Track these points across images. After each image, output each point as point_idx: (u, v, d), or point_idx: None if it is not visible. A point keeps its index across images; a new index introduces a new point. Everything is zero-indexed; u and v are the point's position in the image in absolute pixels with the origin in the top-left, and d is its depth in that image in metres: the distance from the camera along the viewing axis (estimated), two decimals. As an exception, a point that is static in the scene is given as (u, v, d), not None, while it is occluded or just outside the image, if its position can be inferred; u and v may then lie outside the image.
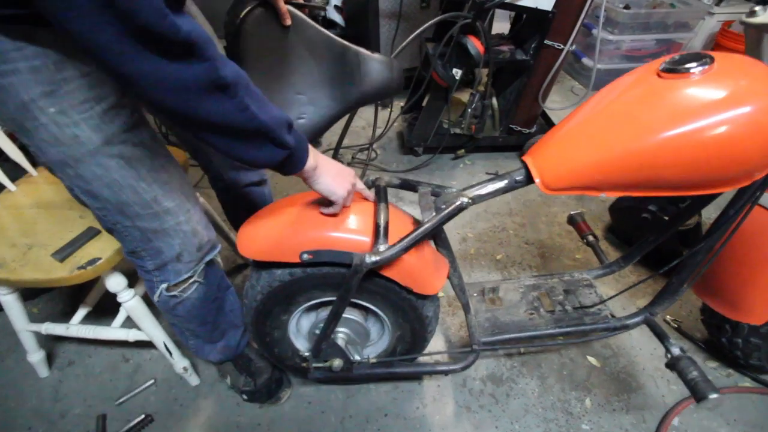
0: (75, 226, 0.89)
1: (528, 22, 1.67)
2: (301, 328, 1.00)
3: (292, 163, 0.65)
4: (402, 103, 2.04)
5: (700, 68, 0.65)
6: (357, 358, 0.96)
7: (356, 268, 0.74)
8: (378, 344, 1.03)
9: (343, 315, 0.92)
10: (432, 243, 0.91)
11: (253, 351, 1.10)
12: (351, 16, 2.54)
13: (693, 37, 2.47)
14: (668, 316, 1.29)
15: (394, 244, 0.74)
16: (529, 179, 0.76)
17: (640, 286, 1.40)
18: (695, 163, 0.64)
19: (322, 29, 0.89)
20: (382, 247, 0.75)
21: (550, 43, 1.61)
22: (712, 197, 0.90)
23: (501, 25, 2.20)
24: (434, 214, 0.77)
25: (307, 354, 0.92)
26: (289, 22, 0.83)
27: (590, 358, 1.20)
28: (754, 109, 0.61)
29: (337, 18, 2.80)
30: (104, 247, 0.84)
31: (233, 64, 0.52)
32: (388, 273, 0.80)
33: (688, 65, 0.66)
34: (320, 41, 0.89)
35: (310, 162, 0.68)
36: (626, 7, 2.29)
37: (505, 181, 0.77)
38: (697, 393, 0.78)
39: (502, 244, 1.56)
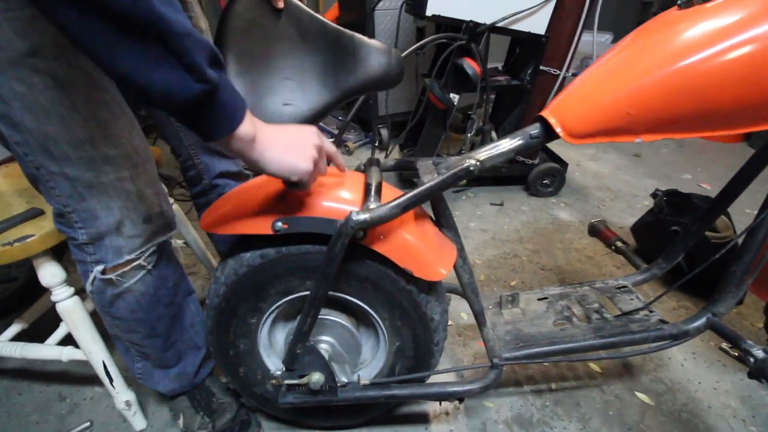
0: (18, 209, 0.75)
1: (522, 51, 1.70)
2: (275, 342, 0.80)
3: (214, 115, 0.45)
4: (399, 145, 2.01)
5: (731, -13, 0.57)
6: (344, 380, 0.75)
7: (341, 229, 0.59)
8: (372, 365, 0.81)
9: (329, 318, 0.74)
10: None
11: (217, 383, 0.88)
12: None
13: (684, 82, 2.53)
14: (723, 344, 1.07)
15: (388, 202, 0.60)
16: (547, 134, 0.65)
17: (681, 312, 1.19)
18: (749, 78, 0.53)
19: (317, 15, 0.85)
20: (372, 205, 0.60)
21: (546, 68, 1.61)
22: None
23: (496, 62, 2.26)
24: (437, 176, 0.65)
25: (279, 372, 0.71)
26: (281, 4, 0.79)
27: (640, 395, 0.96)
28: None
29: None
30: (43, 226, 0.70)
31: None
32: (382, 249, 0.64)
33: (715, -12, 0.58)
34: (314, 26, 0.84)
35: (245, 128, 0.48)
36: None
37: (518, 138, 0.66)
38: (809, 404, 0.57)
39: (515, 271, 1.39)
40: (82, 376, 1.01)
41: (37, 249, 0.68)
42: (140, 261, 0.66)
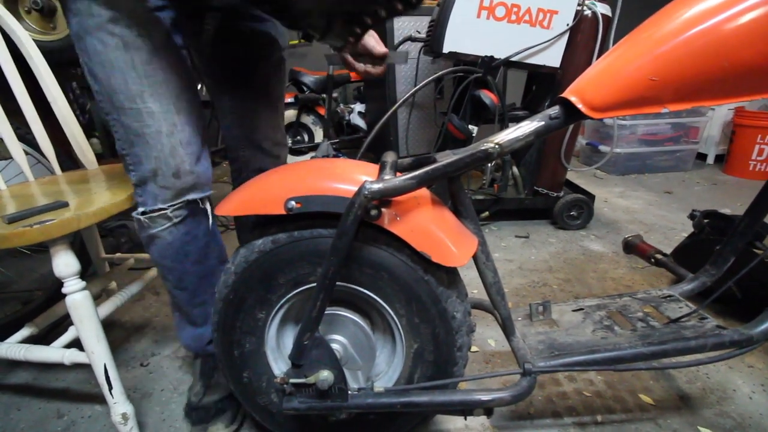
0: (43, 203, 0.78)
1: (539, 86, 1.74)
2: (283, 345, 0.74)
3: None
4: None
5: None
6: (355, 386, 0.68)
7: (354, 199, 0.56)
8: (388, 375, 0.73)
9: (342, 313, 0.69)
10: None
11: None
12: (373, 121, 2.79)
13: (708, 121, 2.50)
14: (801, 376, 0.91)
15: (403, 175, 0.58)
16: (568, 115, 0.63)
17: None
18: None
19: None
20: (388, 176, 0.58)
21: (565, 100, 1.63)
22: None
23: (513, 100, 2.32)
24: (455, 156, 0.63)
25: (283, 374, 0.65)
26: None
27: (705, 430, 0.81)
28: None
29: (360, 123, 3.09)
30: (65, 215, 0.71)
31: None
32: (397, 230, 0.61)
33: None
34: None
35: None
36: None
37: (538, 120, 0.64)
38: None
39: (545, 299, 1.28)
40: (83, 394, 0.95)
41: (55, 233, 0.68)
42: (167, 212, 0.71)
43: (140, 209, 0.72)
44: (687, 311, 0.74)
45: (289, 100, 2.88)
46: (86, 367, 0.77)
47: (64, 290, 0.73)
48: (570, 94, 0.61)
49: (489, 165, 1.72)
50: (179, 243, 0.74)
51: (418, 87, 1.50)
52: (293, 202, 0.62)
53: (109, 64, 0.63)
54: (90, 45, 0.62)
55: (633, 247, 1.03)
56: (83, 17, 0.61)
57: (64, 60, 1.73)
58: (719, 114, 2.54)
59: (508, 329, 0.76)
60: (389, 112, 1.53)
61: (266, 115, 0.92)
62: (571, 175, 2.37)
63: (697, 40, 0.53)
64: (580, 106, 0.60)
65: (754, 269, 0.77)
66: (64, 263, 0.72)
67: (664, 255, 0.95)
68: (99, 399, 0.93)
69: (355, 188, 0.61)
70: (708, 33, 0.53)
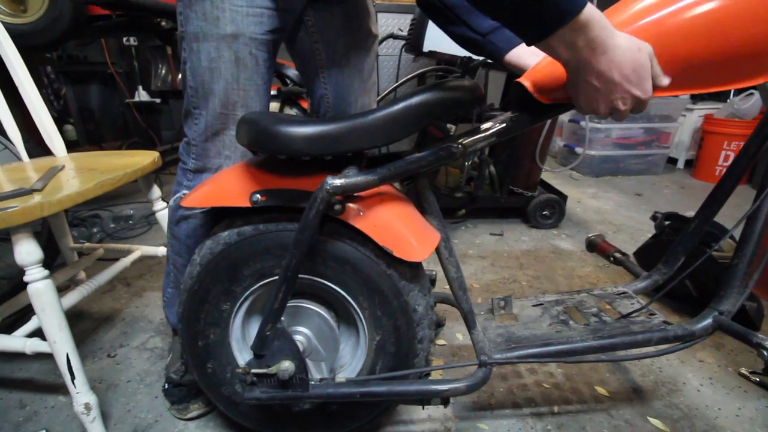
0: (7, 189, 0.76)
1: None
2: (248, 337, 0.75)
3: None
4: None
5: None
6: (319, 377, 0.69)
7: (316, 194, 0.58)
8: (351, 367, 0.75)
9: (306, 305, 0.70)
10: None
11: None
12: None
13: (679, 127, 2.59)
14: (743, 369, 0.97)
15: (366, 171, 0.60)
16: (526, 113, 0.64)
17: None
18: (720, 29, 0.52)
19: None
20: (351, 172, 0.60)
21: (540, 102, 1.67)
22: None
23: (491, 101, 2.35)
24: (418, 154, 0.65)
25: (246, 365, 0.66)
26: None
27: (654, 421, 0.86)
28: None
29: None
30: (26, 201, 0.70)
31: None
32: (360, 224, 0.62)
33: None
34: None
35: (591, 11, 0.41)
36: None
37: (499, 122, 0.65)
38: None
39: (514, 295, 1.32)
40: (47, 384, 0.95)
41: (17, 221, 0.67)
42: None
43: (185, 191, 0.79)
44: (638, 307, 0.78)
45: (272, 92, 2.86)
46: (51, 358, 0.76)
47: (25, 278, 0.72)
48: (524, 78, 0.62)
49: (467, 164, 1.75)
50: (207, 228, 0.81)
51: (398, 83, 1.51)
52: (258, 196, 0.62)
53: (217, 72, 0.69)
54: (204, 50, 0.68)
55: (595, 246, 1.07)
56: (209, 24, 0.66)
57: (37, 44, 1.68)
58: (690, 120, 2.64)
59: (469, 322, 0.78)
60: (369, 108, 1.54)
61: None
62: (547, 176, 2.43)
63: (662, 23, 0.53)
64: (531, 90, 0.60)
65: (702, 267, 0.82)
66: (26, 251, 0.71)
67: (623, 254, 0.99)
68: (63, 389, 0.92)
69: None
70: (676, 14, 0.51)
